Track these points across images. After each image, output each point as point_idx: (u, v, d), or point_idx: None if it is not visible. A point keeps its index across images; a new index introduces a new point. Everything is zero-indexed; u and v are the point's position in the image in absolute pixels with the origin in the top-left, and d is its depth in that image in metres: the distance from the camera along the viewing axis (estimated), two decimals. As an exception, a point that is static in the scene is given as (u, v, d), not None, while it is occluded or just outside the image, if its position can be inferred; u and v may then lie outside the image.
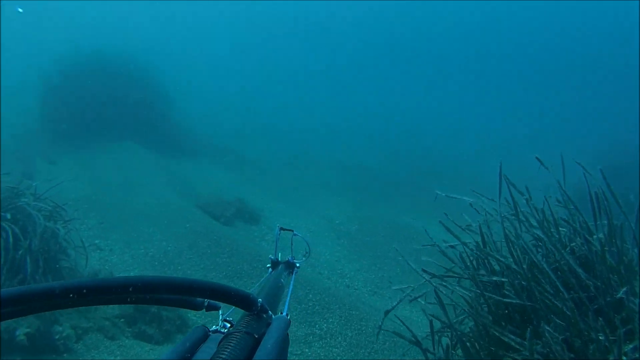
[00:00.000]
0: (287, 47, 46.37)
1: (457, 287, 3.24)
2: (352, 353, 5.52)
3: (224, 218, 9.49)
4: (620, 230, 3.41)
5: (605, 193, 3.15)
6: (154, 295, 1.16)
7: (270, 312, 1.32)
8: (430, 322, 3.29)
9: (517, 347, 2.87)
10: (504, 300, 2.97)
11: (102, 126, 13.27)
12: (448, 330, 3.37)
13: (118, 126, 13.48)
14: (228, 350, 1.11)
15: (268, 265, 2.17)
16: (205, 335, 1.28)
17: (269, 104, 25.31)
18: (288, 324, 1.30)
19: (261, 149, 17.08)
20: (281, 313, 1.39)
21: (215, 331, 1.32)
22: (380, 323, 3.76)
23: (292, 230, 2.46)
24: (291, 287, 1.94)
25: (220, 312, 1.38)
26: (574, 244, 3.60)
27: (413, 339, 3.71)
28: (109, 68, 14.05)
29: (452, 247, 3.57)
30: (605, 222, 3.48)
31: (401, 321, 3.76)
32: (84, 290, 0.95)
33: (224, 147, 15.88)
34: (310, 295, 6.48)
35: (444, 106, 32.99)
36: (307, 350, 5.55)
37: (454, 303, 3.53)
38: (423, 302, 3.69)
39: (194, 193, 10.85)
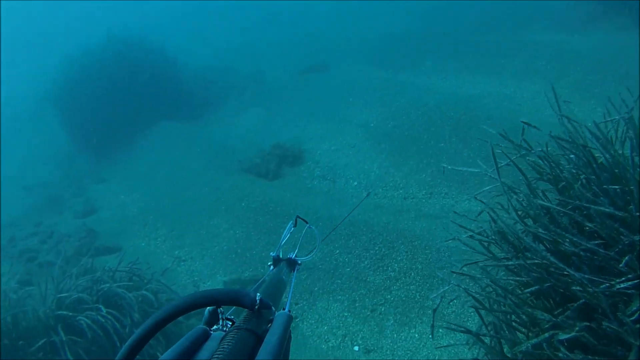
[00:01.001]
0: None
1: (485, 279, 3.60)
2: (427, 285, 6.12)
3: (271, 173, 9.97)
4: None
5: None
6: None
7: (273, 308, 1.36)
8: (477, 311, 3.69)
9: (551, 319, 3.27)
10: (526, 290, 3.32)
11: (128, 119, 13.72)
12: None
13: (143, 112, 13.86)
14: (229, 348, 1.14)
15: (269, 263, 2.19)
16: (205, 335, 1.31)
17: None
18: (290, 320, 1.33)
19: (278, 66, 16.94)
20: (283, 309, 1.42)
21: (217, 330, 1.35)
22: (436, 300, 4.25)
23: (307, 222, 2.48)
24: (293, 283, 1.95)
25: (219, 310, 1.39)
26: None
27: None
28: (114, 59, 14.14)
29: (471, 237, 3.84)
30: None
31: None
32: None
33: (243, 84, 15.93)
34: (374, 239, 7.02)
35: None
36: (388, 296, 6.20)
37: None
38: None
39: (234, 155, 11.28)
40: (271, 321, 1.31)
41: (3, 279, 8.15)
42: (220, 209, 9.11)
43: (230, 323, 1.36)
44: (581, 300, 3.17)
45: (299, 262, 2.23)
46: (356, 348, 5.75)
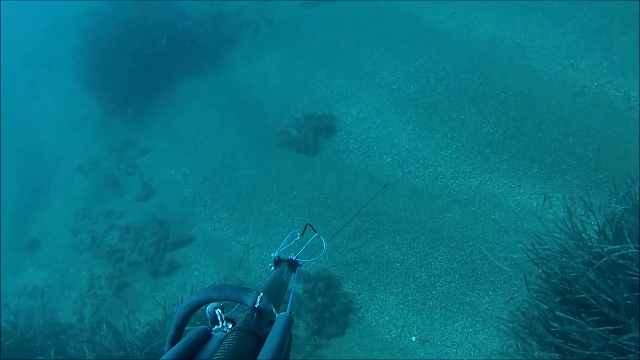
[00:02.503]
0: None
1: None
2: (465, 282, 8.42)
3: (310, 150, 11.82)
4: None
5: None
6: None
7: (274, 310, 1.51)
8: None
9: None
10: None
11: (149, 80, 15.09)
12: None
13: (162, 69, 15.17)
14: (229, 349, 1.25)
15: (270, 264, 2.33)
16: (206, 335, 1.43)
17: None
18: (291, 321, 1.45)
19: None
20: (284, 311, 1.54)
21: (218, 330, 1.49)
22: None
23: (316, 231, 2.66)
24: (294, 285, 2.06)
25: (217, 311, 1.53)
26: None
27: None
28: (123, 24, 15.13)
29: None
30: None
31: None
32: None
33: (253, 21, 16.81)
34: (417, 238, 9.19)
35: None
36: (434, 291, 8.55)
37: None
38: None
39: (268, 123, 13.01)
40: (272, 323, 1.40)
41: (103, 282, 10.53)
42: (274, 195, 11.17)
43: (231, 324, 1.49)
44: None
45: (300, 263, 2.42)
46: (414, 338, 8.20)
